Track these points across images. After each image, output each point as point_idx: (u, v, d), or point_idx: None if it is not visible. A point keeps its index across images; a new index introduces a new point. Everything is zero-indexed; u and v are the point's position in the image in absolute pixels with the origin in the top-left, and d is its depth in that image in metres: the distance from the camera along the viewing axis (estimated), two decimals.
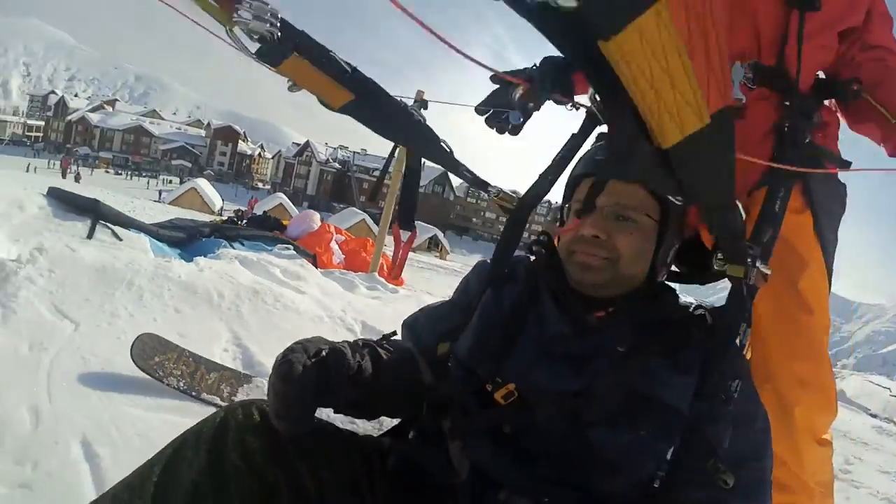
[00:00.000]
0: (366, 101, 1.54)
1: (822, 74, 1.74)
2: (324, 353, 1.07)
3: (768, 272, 1.26)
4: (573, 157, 1.41)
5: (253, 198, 41.36)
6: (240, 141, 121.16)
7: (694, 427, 1.14)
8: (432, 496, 1.19)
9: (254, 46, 1.23)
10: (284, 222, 9.80)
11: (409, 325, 1.55)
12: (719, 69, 0.85)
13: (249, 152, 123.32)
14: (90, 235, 4.38)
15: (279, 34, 1.22)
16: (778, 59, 1.65)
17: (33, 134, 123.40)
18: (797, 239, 1.65)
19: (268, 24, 1.18)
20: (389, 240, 5.40)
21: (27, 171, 30.49)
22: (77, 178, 37.82)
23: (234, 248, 5.65)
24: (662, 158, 1.21)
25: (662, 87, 0.81)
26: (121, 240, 4.53)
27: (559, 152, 1.42)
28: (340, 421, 1.40)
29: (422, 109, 5.85)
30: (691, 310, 1.34)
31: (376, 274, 6.14)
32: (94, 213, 4.70)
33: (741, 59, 1.61)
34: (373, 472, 1.21)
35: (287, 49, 1.28)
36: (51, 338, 2.40)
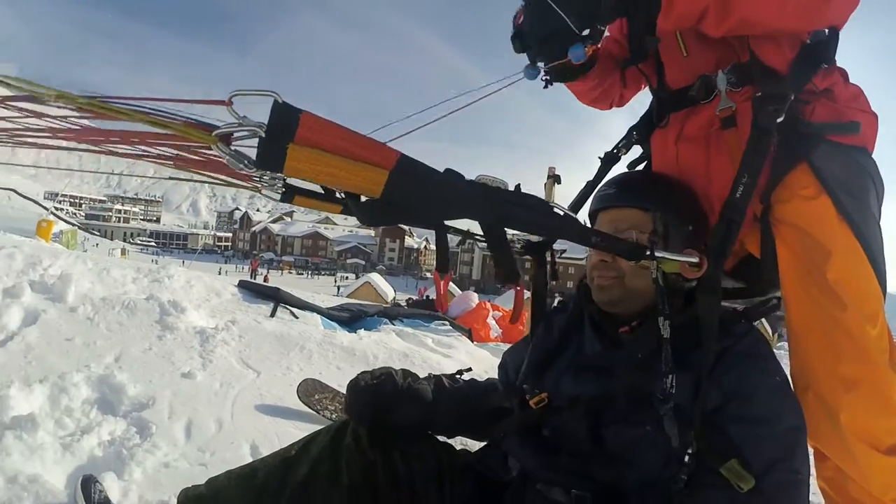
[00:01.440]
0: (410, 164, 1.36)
1: (808, 40, 1.49)
2: (383, 376, 1.61)
3: (687, 259, 1.28)
4: (587, 199, 1.68)
5: (423, 287, 42.85)
6: (406, 237, 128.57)
7: (713, 427, 1.20)
8: (490, 488, 1.50)
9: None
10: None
11: (501, 364, 1.81)
12: (363, 145, 0.87)
13: (416, 246, 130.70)
14: (272, 314, 5.13)
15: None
16: (749, 51, 1.51)
17: (222, 244, 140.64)
18: (816, 227, 1.44)
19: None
20: None
21: (219, 273, 34.23)
22: (265, 280, 40.99)
23: (394, 325, 6.21)
24: (654, 183, 1.60)
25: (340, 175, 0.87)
26: (297, 318, 5.26)
27: (575, 197, 1.80)
28: None
29: (555, 184, 6.14)
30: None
31: None
32: (275, 297, 5.53)
33: (721, 67, 1.54)
34: (451, 466, 1.55)
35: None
36: (237, 380, 3.01)
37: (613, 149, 1.89)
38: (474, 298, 9.94)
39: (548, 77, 1.65)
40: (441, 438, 1.66)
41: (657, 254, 1.25)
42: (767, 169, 1.43)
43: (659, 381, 1.26)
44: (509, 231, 1.10)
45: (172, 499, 1.65)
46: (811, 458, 1.38)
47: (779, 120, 1.40)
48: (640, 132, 1.86)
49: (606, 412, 1.32)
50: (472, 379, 1.81)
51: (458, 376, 1.77)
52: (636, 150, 1.90)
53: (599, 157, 1.88)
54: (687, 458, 1.18)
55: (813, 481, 1.44)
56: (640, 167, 1.87)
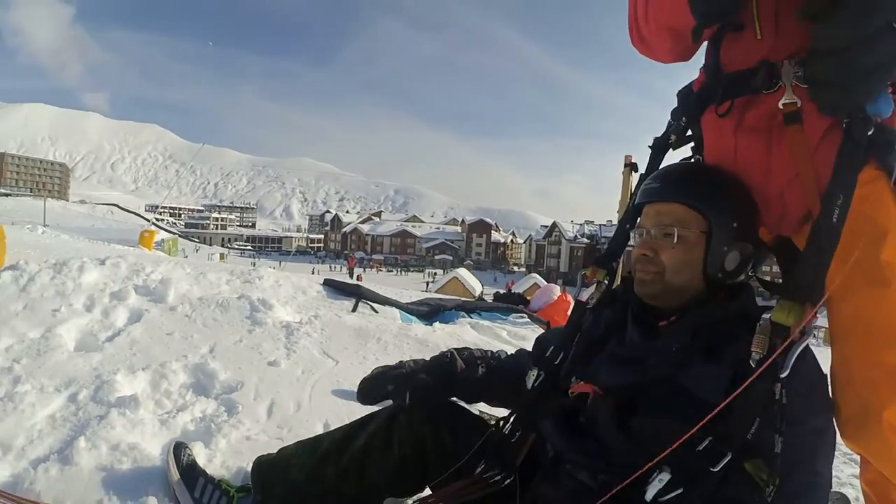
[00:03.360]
0: None
1: None
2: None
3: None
4: None
5: (510, 281, 42.69)
6: (492, 231, 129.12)
7: (737, 424, 1.17)
8: (529, 466, 1.57)
9: None
10: (528, 297, 10.45)
11: (539, 340, 1.88)
12: None
13: (502, 240, 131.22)
14: (354, 309, 5.41)
15: None
16: None
17: (315, 245, 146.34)
18: (872, 206, 1.33)
19: None
20: None
21: (312, 273, 35.54)
22: (359, 278, 41.15)
23: (471, 318, 6.37)
24: (700, 177, 1.54)
25: None
26: (377, 312, 5.51)
27: (631, 198, 1.71)
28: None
29: (632, 172, 5.98)
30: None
31: None
32: (357, 294, 5.85)
33: (791, 57, 1.38)
34: (496, 442, 1.65)
35: None
36: (318, 368, 3.25)
37: (663, 136, 1.78)
38: (556, 291, 9.93)
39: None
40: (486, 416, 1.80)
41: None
42: (829, 169, 1.29)
43: (688, 374, 1.29)
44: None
45: (249, 465, 1.86)
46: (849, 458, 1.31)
47: (869, 133, 1.29)
48: (688, 113, 1.70)
49: (637, 402, 1.35)
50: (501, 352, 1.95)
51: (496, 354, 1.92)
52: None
53: (650, 146, 1.78)
54: (724, 454, 1.16)
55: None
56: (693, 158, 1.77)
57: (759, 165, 1.49)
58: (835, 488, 1.36)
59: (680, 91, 1.75)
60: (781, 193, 1.46)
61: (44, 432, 2.09)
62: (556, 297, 9.60)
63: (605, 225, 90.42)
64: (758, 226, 1.50)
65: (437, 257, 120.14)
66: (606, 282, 1.68)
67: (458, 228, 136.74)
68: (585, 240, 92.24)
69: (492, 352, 1.92)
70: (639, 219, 1.57)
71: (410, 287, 12.36)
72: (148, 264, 4.75)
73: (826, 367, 1.36)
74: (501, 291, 19.17)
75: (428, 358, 1.86)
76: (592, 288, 1.70)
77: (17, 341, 2.82)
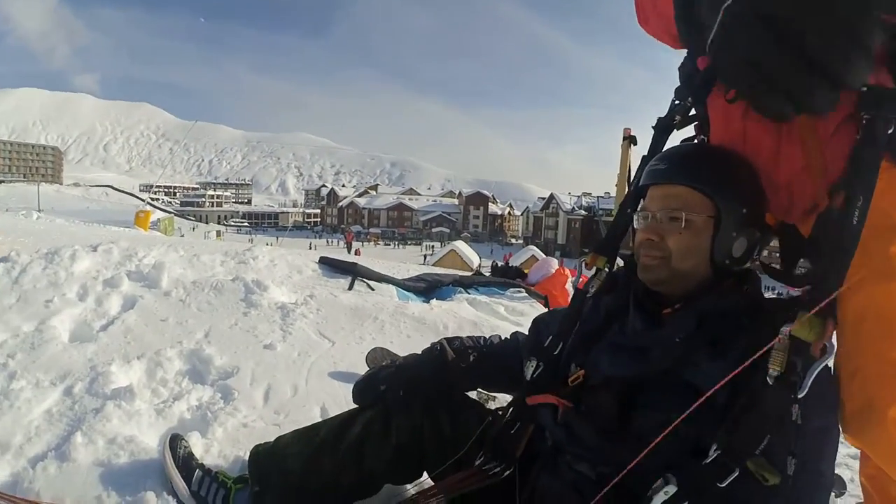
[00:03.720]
0: None
1: None
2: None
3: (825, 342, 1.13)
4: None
5: (508, 253, 42.74)
6: (489, 204, 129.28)
7: (739, 420, 1.16)
8: (527, 453, 1.58)
9: None
10: (525, 271, 10.41)
11: (536, 321, 1.86)
12: None
13: (499, 212, 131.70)
14: (350, 287, 5.38)
15: None
16: None
17: (311, 220, 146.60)
18: (885, 200, 1.24)
19: None
20: None
21: (310, 248, 35.61)
22: (357, 253, 40.54)
23: (469, 293, 6.33)
24: (710, 160, 1.45)
25: None
26: (373, 290, 5.49)
27: (634, 176, 1.62)
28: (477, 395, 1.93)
29: (631, 145, 5.80)
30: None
31: None
32: (353, 272, 5.80)
33: None
34: (495, 434, 1.65)
35: None
36: (314, 349, 3.26)
37: (667, 116, 1.69)
38: (553, 264, 9.91)
39: None
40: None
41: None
42: (843, 163, 1.25)
43: (693, 369, 1.28)
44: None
45: (247, 454, 1.87)
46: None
47: (889, 132, 1.21)
48: (693, 93, 1.61)
49: (638, 394, 1.33)
50: (495, 336, 1.96)
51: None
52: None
53: (653, 127, 1.70)
54: (712, 450, 1.16)
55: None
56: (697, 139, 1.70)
57: (768, 153, 1.43)
58: None
59: (682, 66, 1.63)
60: (789, 183, 1.41)
61: (41, 429, 2.09)
62: (553, 271, 9.56)
63: (602, 197, 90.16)
64: (765, 211, 1.46)
65: (434, 230, 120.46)
66: (607, 269, 1.62)
67: (455, 201, 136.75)
68: (583, 212, 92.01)
69: (484, 338, 1.93)
70: (642, 201, 1.51)
71: (408, 260, 12.36)
72: (140, 249, 4.71)
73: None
74: (499, 263, 19.16)
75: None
76: (593, 270, 1.66)
77: (12, 336, 2.81)
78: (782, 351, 1.13)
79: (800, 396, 1.10)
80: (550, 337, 1.61)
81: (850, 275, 1.21)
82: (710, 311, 1.34)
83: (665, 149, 1.59)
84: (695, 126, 1.69)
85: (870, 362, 1.27)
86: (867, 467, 1.41)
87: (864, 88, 1.20)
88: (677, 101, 1.63)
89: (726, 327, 1.29)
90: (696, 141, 1.69)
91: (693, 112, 1.65)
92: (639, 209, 1.50)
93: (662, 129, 1.66)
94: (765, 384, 1.14)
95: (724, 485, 1.13)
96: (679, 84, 1.64)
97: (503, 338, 1.95)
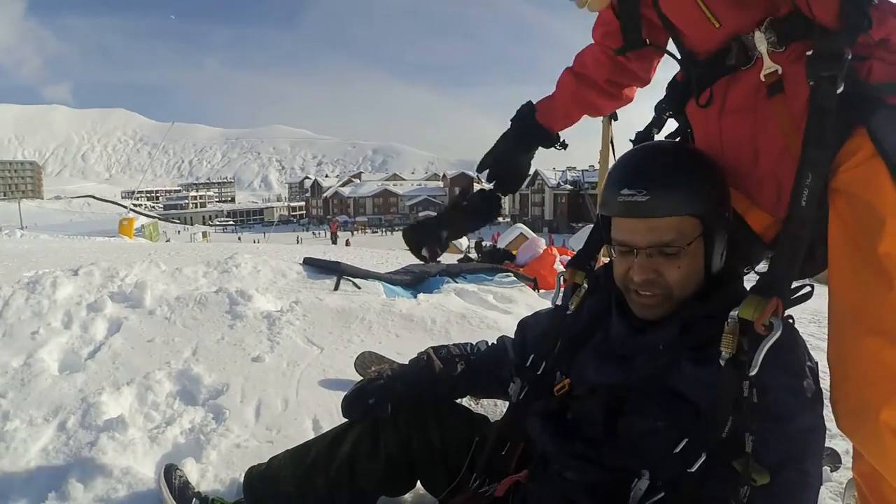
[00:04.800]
0: None
1: None
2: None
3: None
4: None
5: (496, 233, 42.55)
6: (474, 184, 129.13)
7: (726, 422, 1.17)
8: (518, 460, 1.63)
9: None
10: (514, 252, 10.42)
11: (521, 325, 1.89)
12: None
13: None
14: (336, 288, 5.38)
15: None
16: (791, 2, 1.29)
17: (297, 213, 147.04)
18: (870, 191, 1.22)
19: None
20: None
21: (297, 241, 35.39)
22: (346, 243, 39.34)
23: (457, 282, 6.31)
24: (685, 174, 1.37)
25: None
26: (359, 288, 5.48)
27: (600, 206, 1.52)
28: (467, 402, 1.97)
29: (612, 121, 5.47)
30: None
31: None
32: (338, 271, 5.77)
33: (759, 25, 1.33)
34: (484, 437, 1.72)
35: None
36: (302, 358, 3.29)
37: (645, 129, 1.73)
38: (541, 244, 9.92)
39: None
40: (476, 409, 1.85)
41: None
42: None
43: (678, 375, 1.29)
44: None
45: (242, 475, 1.91)
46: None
47: (839, 91, 1.19)
48: (673, 106, 1.68)
49: (625, 402, 1.34)
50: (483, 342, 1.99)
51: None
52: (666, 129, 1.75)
53: (631, 140, 1.71)
54: (699, 455, 1.17)
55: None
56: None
57: (747, 146, 1.44)
58: (826, 443, 1.37)
59: (669, 83, 1.70)
60: (774, 171, 1.40)
61: (39, 468, 2.12)
62: (541, 251, 9.58)
63: (587, 170, 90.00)
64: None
65: (420, 214, 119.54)
66: (586, 285, 1.62)
67: (440, 183, 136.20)
68: (568, 186, 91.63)
69: (471, 344, 1.97)
70: (618, 230, 1.41)
71: (397, 247, 12.30)
72: (121, 268, 4.69)
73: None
74: (486, 243, 19.16)
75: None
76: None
77: (1, 373, 2.82)
78: (731, 334, 1.18)
79: (750, 374, 1.14)
80: (532, 357, 1.65)
81: (845, 272, 1.26)
82: (692, 317, 1.35)
83: (630, 163, 1.45)
84: (677, 139, 1.73)
85: (862, 364, 1.25)
86: (860, 464, 1.40)
87: (809, 53, 1.22)
88: (656, 115, 1.71)
89: (709, 330, 1.26)
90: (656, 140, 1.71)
91: (673, 124, 1.72)
92: (617, 240, 1.41)
93: (641, 140, 1.72)
94: (718, 367, 1.18)
95: (693, 469, 1.16)
96: (662, 98, 1.71)
97: (490, 343, 1.98)
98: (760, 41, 1.31)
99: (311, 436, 2.36)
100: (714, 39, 1.43)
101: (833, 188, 1.28)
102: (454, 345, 1.96)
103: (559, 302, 1.68)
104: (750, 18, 1.34)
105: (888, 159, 1.19)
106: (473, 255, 13.16)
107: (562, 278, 1.71)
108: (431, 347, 1.93)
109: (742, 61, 1.38)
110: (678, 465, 1.19)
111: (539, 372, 1.60)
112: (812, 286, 1.30)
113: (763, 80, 1.33)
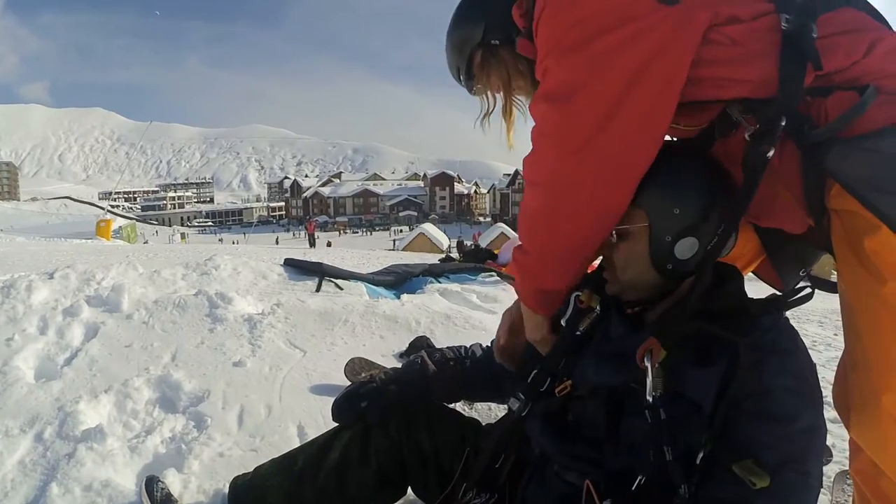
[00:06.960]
0: None
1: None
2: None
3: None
4: None
5: (477, 232, 42.59)
6: (455, 183, 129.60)
7: (726, 423, 1.18)
8: (515, 463, 1.58)
9: None
10: (495, 251, 10.41)
11: None
12: None
13: (466, 191, 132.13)
14: (318, 289, 5.33)
15: None
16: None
17: (276, 214, 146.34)
18: (852, 205, 1.25)
19: None
20: None
21: (276, 242, 35.07)
22: (327, 244, 38.92)
23: (440, 282, 6.29)
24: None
25: None
26: (342, 289, 5.43)
27: None
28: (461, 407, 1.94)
29: None
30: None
31: None
32: (320, 272, 5.69)
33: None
34: (476, 442, 1.66)
35: None
36: (285, 362, 3.23)
37: None
38: None
39: None
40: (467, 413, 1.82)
41: None
42: (800, 187, 1.32)
43: (679, 376, 1.26)
44: None
45: (226, 486, 1.86)
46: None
47: (769, 155, 1.26)
48: None
49: (625, 403, 1.33)
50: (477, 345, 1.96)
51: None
52: None
53: None
54: (699, 457, 1.17)
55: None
56: None
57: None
58: None
59: None
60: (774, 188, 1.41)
61: (16, 481, 2.05)
62: None
63: None
64: (724, 206, 1.37)
65: (401, 214, 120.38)
66: (598, 309, 1.52)
67: (421, 183, 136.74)
68: None
69: (465, 348, 1.94)
70: None
71: (377, 247, 12.29)
72: (98, 271, 4.59)
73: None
74: (468, 242, 19.12)
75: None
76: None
77: None
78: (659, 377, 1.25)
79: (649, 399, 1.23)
80: (536, 371, 1.54)
81: (843, 269, 1.33)
82: (695, 314, 1.31)
83: None
84: None
85: (868, 356, 1.29)
86: (857, 461, 1.41)
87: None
88: None
89: (708, 333, 1.26)
90: None
91: None
92: None
93: None
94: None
95: (693, 471, 1.16)
96: None
97: (484, 346, 1.95)
98: (734, 110, 1.36)
99: (297, 443, 2.31)
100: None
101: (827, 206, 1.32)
102: (448, 348, 1.93)
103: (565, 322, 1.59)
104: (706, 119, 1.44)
105: (851, 192, 1.22)
106: (455, 254, 13.15)
107: (578, 298, 1.58)
108: (425, 351, 1.90)
109: (724, 131, 1.42)
110: (679, 468, 1.17)
111: (543, 389, 1.52)
112: (812, 288, 1.34)
113: (748, 138, 1.33)
